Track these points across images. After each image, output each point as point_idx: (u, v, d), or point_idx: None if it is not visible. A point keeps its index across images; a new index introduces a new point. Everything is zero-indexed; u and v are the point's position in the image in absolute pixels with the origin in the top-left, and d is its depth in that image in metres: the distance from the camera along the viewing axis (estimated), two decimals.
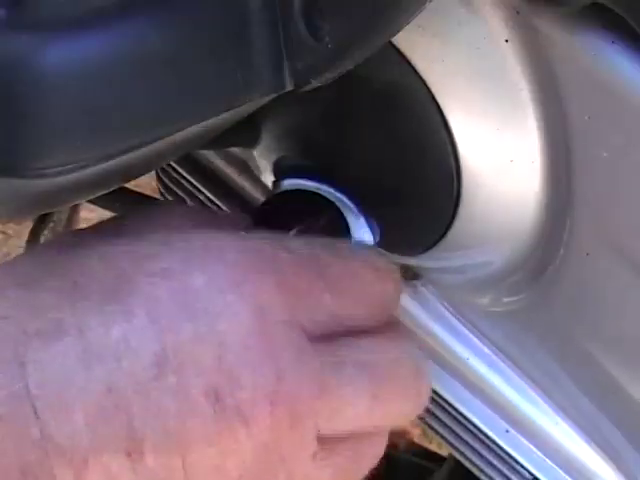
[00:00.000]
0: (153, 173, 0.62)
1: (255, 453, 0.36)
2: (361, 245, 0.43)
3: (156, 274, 0.36)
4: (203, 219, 0.42)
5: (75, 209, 0.64)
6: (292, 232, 0.42)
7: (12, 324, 0.35)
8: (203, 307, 0.36)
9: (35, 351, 0.34)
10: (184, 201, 0.61)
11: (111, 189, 0.37)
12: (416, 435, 0.99)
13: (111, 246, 0.38)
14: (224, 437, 0.35)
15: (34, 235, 0.61)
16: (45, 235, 0.61)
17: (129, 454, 0.34)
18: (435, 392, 0.51)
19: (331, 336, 0.38)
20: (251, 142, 0.47)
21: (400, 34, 0.34)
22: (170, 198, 0.62)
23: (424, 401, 0.41)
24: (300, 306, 0.37)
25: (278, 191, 0.45)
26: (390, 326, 0.41)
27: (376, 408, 0.39)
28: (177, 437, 0.35)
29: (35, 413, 0.33)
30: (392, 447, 0.77)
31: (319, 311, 0.38)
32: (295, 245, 0.39)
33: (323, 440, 0.37)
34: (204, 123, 0.33)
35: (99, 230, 0.40)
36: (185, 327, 0.35)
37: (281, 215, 0.44)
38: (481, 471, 0.52)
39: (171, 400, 0.35)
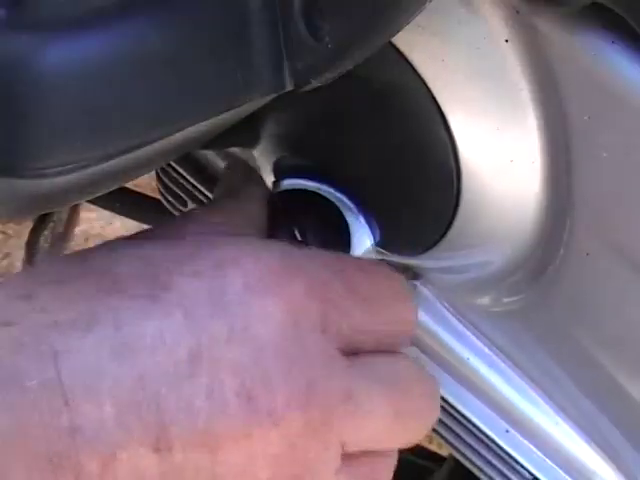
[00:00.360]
0: (153, 173, 0.62)
1: (283, 458, 0.36)
2: (382, 262, 0.43)
3: (192, 274, 0.37)
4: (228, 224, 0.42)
5: (75, 209, 0.64)
6: (295, 231, 0.43)
7: (46, 315, 0.35)
8: (238, 308, 0.36)
9: (68, 341, 0.34)
10: (184, 201, 0.61)
11: (111, 189, 0.37)
12: None
13: (147, 249, 0.38)
14: (254, 438, 0.35)
15: (34, 235, 0.61)
16: (45, 235, 0.61)
17: (157, 449, 0.34)
18: None
19: (356, 350, 0.39)
20: (251, 142, 0.47)
21: (400, 34, 0.34)
22: (170, 198, 0.62)
23: (433, 420, 0.42)
24: (331, 316, 0.38)
25: (278, 191, 0.45)
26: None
27: (396, 425, 0.39)
28: (207, 435, 0.35)
29: (66, 403, 0.33)
30: None
31: (346, 323, 0.38)
32: (328, 257, 0.40)
33: (344, 456, 0.38)
34: (204, 123, 0.33)
35: (131, 238, 0.41)
36: (220, 326, 0.35)
37: (281, 215, 0.44)
38: (481, 471, 0.52)
39: (203, 398, 0.35)
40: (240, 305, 0.36)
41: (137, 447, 0.34)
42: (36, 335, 0.34)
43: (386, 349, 0.40)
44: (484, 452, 0.51)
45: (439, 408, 0.42)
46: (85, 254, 0.38)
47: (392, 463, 0.41)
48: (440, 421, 0.52)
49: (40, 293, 0.36)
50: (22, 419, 0.33)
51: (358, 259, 0.42)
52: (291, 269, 0.38)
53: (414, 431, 0.41)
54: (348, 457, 0.38)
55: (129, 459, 0.34)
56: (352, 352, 0.39)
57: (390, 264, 0.47)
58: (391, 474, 0.41)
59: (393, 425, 0.39)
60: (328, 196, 0.44)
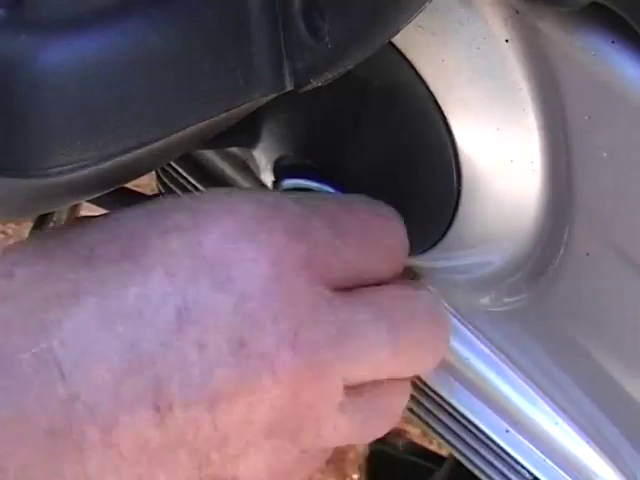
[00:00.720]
0: (153, 173, 0.62)
1: (282, 401, 0.36)
2: (366, 197, 0.43)
3: (169, 230, 0.36)
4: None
5: (75, 209, 0.64)
6: None
7: (31, 291, 0.35)
8: (218, 258, 0.36)
9: (56, 313, 0.34)
10: None
11: (111, 189, 0.37)
12: (416, 435, 0.99)
13: (119, 215, 0.38)
14: (250, 385, 0.35)
15: None
16: None
17: (157, 408, 0.34)
18: (435, 392, 0.51)
19: (347, 286, 0.39)
20: (251, 142, 0.47)
21: (400, 34, 0.34)
22: None
23: (443, 351, 0.42)
24: (315, 255, 0.38)
25: (278, 191, 0.45)
26: (406, 278, 0.42)
27: (396, 355, 0.39)
28: (204, 388, 0.35)
29: (60, 373, 0.33)
30: (392, 447, 0.77)
31: (334, 260, 0.38)
32: (304, 198, 0.40)
33: (348, 390, 0.38)
34: (204, 123, 0.33)
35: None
36: (202, 278, 0.35)
37: None
38: (481, 471, 0.52)
39: (195, 351, 0.35)
40: (220, 255, 0.36)
41: (137, 410, 0.34)
42: (23, 311, 0.34)
43: (386, 282, 0.40)
44: (484, 452, 0.51)
45: (447, 340, 0.42)
46: (61, 229, 0.39)
47: (403, 393, 0.41)
48: (440, 421, 0.52)
49: (22, 270, 0.36)
50: (18, 394, 0.33)
51: (340, 196, 0.42)
52: (268, 213, 0.38)
53: (420, 361, 0.41)
54: (353, 390, 0.38)
55: (130, 423, 0.34)
56: (347, 287, 0.39)
57: None
58: (403, 403, 0.41)
59: (392, 354, 0.39)
60: None
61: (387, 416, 0.41)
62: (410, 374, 0.41)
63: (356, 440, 0.41)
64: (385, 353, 0.39)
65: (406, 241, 0.42)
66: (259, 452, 0.37)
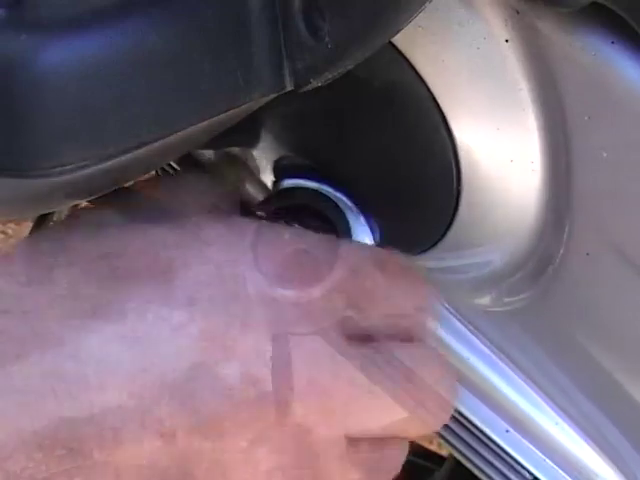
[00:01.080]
0: (153, 174, 0.62)
1: (285, 444, 0.36)
2: (402, 256, 0.43)
3: (196, 255, 0.36)
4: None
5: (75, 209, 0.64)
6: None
7: (48, 302, 0.35)
8: (243, 298, 0.36)
9: (72, 329, 0.34)
10: None
11: (111, 189, 0.37)
12: None
13: (148, 229, 0.38)
14: (257, 423, 0.35)
15: None
16: None
17: (162, 435, 0.34)
18: None
19: (366, 340, 0.39)
20: (251, 142, 0.47)
21: (400, 34, 0.34)
22: None
23: (447, 417, 0.42)
24: (336, 303, 0.38)
25: (278, 190, 0.45)
26: (424, 341, 0.41)
27: (405, 414, 0.39)
28: (210, 421, 0.35)
29: (69, 391, 0.33)
30: None
31: (354, 312, 0.38)
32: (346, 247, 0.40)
33: (351, 443, 0.38)
34: (204, 123, 0.33)
35: (129, 213, 0.40)
36: (223, 315, 0.35)
37: (281, 214, 0.44)
38: (481, 471, 0.51)
39: (207, 384, 0.35)
40: (245, 296, 0.36)
41: (141, 433, 0.34)
42: (39, 323, 0.34)
43: (406, 341, 0.40)
44: (484, 452, 0.51)
45: (452, 407, 0.42)
46: (86, 232, 0.38)
47: (401, 453, 0.41)
48: None
49: (42, 278, 0.35)
50: (25, 405, 0.33)
51: (378, 251, 0.42)
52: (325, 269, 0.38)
53: (426, 422, 0.41)
54: (354, 444, 0.38)
55: (134, 445, 0.34)
56: (363, 338, 0.39)
57: None
58: (400, 464, 0.41)
59: (401, 414, 0.39)
60: (328, 195, 0.44)
61: (384, 473, 0.41)
62: (412, 434, 0.41)
63: None
64: (392, 411, 0.39)
65: (430, 304, 0.42)
66: None
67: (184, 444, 0.34)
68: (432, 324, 0.42)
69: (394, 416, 0.39)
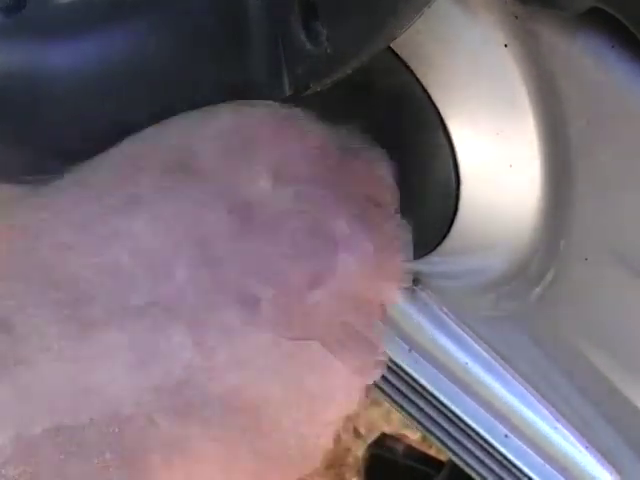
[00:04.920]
0: None
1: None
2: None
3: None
4: None
5: None
6: None
7: (88, 204, 0.34)
8: None
9: (119, 222, 0.33)
10: None
11: None
12: (415, 440, 0.99)
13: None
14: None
15: None
16: None
17: (244, 303, 0.33)
18: (434, 397, 0.51)
19: None
20: None
21: (399, 39, 0.34)
22: None
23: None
24: None
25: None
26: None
27: None
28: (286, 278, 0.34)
29: (132, 282, 0.32)
30: (391, 452, 0.77)
31: None
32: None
33: None
34: None
35: None
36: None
37: None
38: (480, 476, 0.52)
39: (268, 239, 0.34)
40: None
41: (224, 306, 0.33)
42: (84, 222, 0.33)
43: None
44: (483, 457, 0.51)
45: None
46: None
47: None
48: (439, 425, 0.52)
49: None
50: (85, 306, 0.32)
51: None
52: None
53: None
54: None
55: (218, 319, 0.33)
56: None
57: None
58: None
59: None
60: None
61: None
62: None
63: None
64: None
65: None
66: None
67: (270, 307, 0.34)
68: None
69: None
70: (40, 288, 0.32)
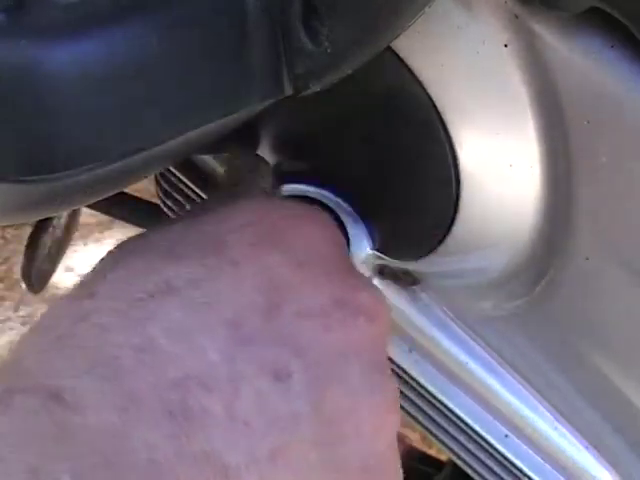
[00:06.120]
0: (152, 178, 0.62)
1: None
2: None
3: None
4: None
5: (74, 214, 0.64)
6: None
7: (120, 292, 0.36)
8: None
9: (150, 308, 0.35)
10: (182, 206, 0.61)
11: (110, 194, 0.37)
12: (416, 440, 0.99)
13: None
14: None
15: (33, 240, 0.61)
16: (44, 240, 0.61)
17: (277, 376, 0.35)
18: (434, 397, 0.51)
19: None
20: (250, 147, 0.47)
21: (399, 39, 0.34)
22: (169, 203, 0.62)
23: None
24: None
25: (277, 196, 0.45)
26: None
27: None
28: (321, 350, 0.36)
29: (168, 357, 0.34)
30: None
31: None
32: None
33: None
34: (203, 128, 0.33)
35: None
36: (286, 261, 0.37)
37: None
38: (480, 476, 0.52)
39: (297, 320, 0.36)
40: None
41: (257, 379, 0.35)
42: (115, 313, 0.35)
43: None
44: (483, 457, 0.51)
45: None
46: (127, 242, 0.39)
47: None
48: (439, 426, 0.52)
49: (103, 287, 0.36)
50: (128, 383, 0.33)
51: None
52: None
53: None
54: None
55: (253, 392, 0.34)
56: None
57: (390, 268, 0.47)
58: None
59: None
60: (327, 202, 0.44)
61: None
62: None
63: None
64: None
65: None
66: None
67: (303, 379, 0.35)
68: None
69: None
70: (83, 363, 0.33)
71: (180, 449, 0.32)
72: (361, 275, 0.40)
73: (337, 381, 0.36)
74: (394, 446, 0.38)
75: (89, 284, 0.37)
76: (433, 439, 0.53)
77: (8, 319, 1.63)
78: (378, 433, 0.37)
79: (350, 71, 0.34)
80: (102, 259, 0.38)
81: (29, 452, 0.30)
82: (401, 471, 0.39)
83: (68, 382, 0.32)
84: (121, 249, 0.38)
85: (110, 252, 0.38)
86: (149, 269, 0.36)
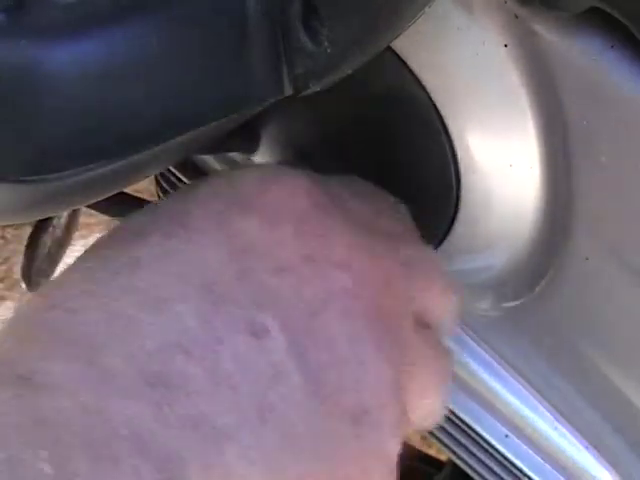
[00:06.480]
0: (152, 178, 0.62)
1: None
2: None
3: None
4: None
5: (74, 214, 0.64)
6: None
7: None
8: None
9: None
10: None
11: (110, 194, 0.37)
12: (415, 440, 0.99)
13: None
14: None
15: (33, 240, 0.61)
16: (44, 240, 0.61)
17: None
18: None
19: None
20: (250, 147, 0.47)
21: (399, 39, 0.34)
22: None
23: None
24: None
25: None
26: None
27: None
28: None
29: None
30: None
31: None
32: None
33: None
34: (202, 128, 0.33)
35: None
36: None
37: None
38: (480, 476, 0.52)
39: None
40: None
41: None
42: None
43: None
44: (483, 457, 0.51)
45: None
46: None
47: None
48: (439, 426, 0.52)
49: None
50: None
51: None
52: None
53: None
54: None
55: None
56: None
57: None
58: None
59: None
60: None
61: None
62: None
63: None
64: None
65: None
66: None
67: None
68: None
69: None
70: (54, 345, 0.33)
71: (164, 418, 0.32)
72: (342, 227, 0.38)
73: (316, 333, 0.35)
74: (387, 397, 0.37)
75: (59, 277, 0.36)
76: (433, 439, 0.53)
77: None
78: (365, 383, 0.36)
79: (350, 71, 0.34)
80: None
81: (4, 443, 0.30)
82: (399, 426, 0.37)
83: (39, 365, 0.32)
84: (93, 244, 0.38)
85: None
86: (118, 252, 0.36)
